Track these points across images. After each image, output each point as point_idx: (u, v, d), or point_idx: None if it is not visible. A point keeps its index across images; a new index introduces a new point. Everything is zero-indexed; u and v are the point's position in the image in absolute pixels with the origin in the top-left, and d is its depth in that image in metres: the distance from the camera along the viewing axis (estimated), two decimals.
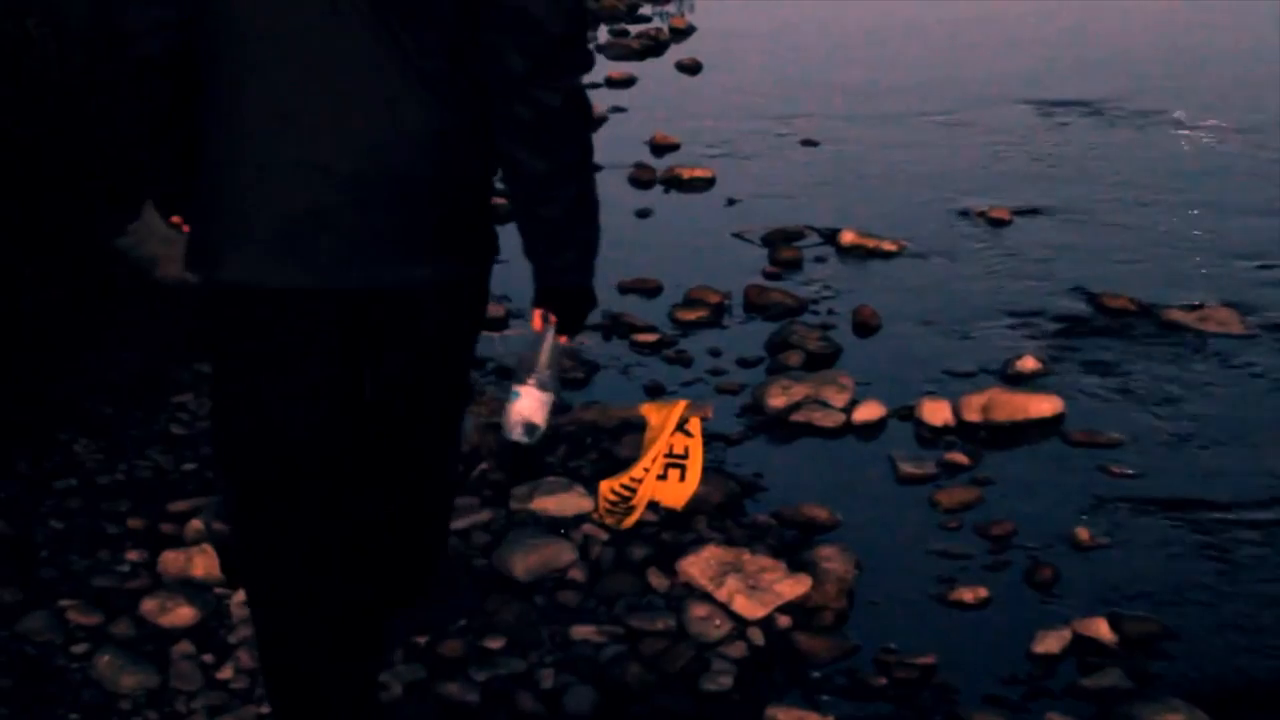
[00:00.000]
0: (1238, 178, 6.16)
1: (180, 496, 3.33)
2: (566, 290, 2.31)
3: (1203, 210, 5.72)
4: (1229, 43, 8.86)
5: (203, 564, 2.98)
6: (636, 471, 3.22)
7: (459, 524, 3.21)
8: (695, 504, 3.35)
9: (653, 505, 3.29)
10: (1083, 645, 2.92)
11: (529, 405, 2.33)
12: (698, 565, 3.05)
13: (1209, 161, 6.43)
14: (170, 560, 3.00)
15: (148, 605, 2.86)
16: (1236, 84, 7.79)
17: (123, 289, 4.26)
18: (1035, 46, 8.63)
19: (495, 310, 4.25)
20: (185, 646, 2.77)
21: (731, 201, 5.89)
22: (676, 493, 3.28)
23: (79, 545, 3.11)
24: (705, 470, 3.42)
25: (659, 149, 6.55)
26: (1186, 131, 6.87)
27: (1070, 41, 8.83)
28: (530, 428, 2.34)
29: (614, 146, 6.24)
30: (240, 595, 2.88)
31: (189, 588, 2.92)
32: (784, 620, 2.96)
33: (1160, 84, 7.67)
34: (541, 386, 2.33)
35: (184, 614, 2.84)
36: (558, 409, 2.79)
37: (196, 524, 3.16)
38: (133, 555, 3.07)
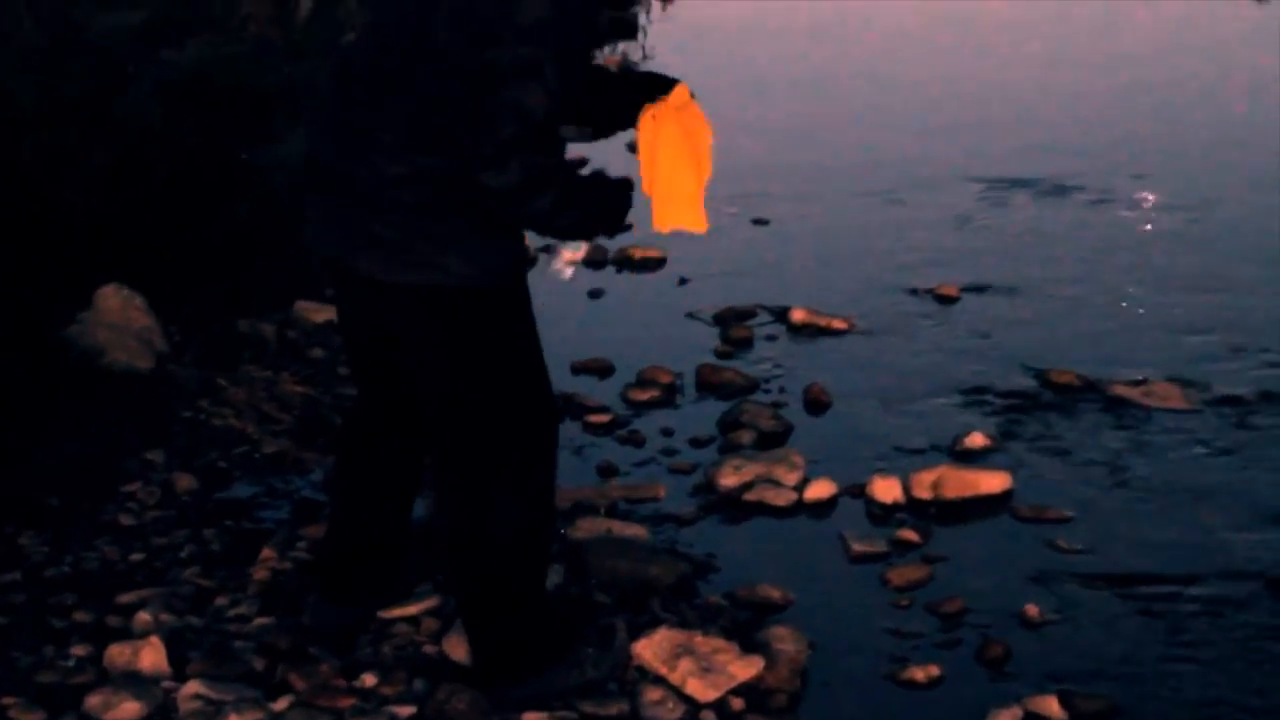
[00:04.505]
0: (1179, 253, 6.28)
1: (128, 588, 3.30)
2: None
3: (1146, 286, 5.82)
4: (1168, 115, 9.06)
5: (150, 657, 2.95)
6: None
7: (409, 609, 3.20)
8: (648, 585, 3.35)
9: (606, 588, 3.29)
10: None
11: (568, 252, 2.86)
12: (650, 648, 3.04)
13: (1150, 237, 6.55)
14: (117, 654, 2.97)
15: (92, 701, 2.82)
16: (1176, 158, 7.96)
17: (70, 377, 4.23)
18: (980, 124, 8.78)
19: None
20: None
21: (683, 281, 5.94)
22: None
23: (22, 641, 3.06)
24: (657, 552, 3.42)
25: None
26: (1127, 207, 6.99)
27: (1013, 118, 8.99)
28: (566, 266, 2.87)
29: None
30: (187, 688, 2.85)
31: (135, 682, 2.88)
32: (737, 703, 2.96)
33: (1100, 161, 7.82)
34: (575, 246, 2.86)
35: (129, 709, 2.80)
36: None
37: (144, 616, 3.13)
38: (78, 650, 3.03)
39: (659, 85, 2.84)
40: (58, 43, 6.70)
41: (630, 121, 2.84)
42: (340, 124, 2.68)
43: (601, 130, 2.96)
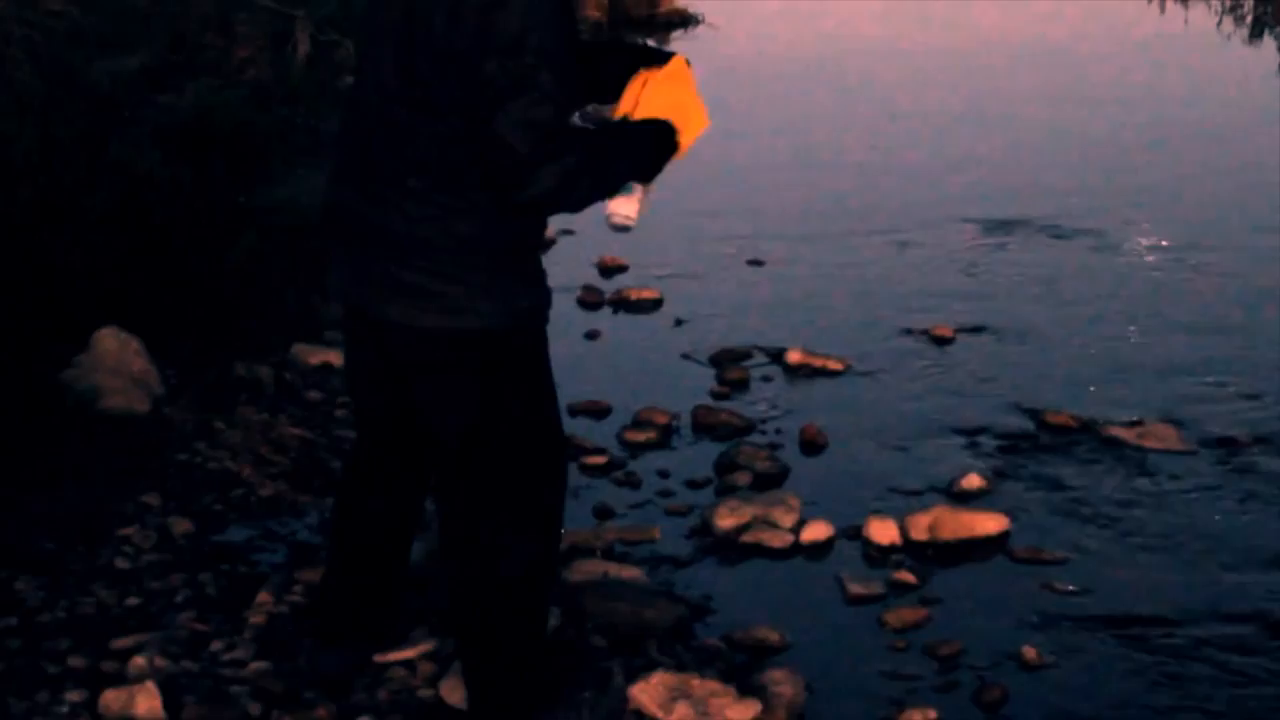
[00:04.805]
0: (1174, 295, 6.29)
1: (123, 633, 3.28)
2: None
3: (1141, 327, 5.83)
4: (1165, 154, 9.10)
5: (145, 702, 2.93)
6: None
7: (406, 653, 3.19)
8: (645, 627, 3.34)
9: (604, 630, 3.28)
10: None
11: (622, 203, 2.73)
12: (648, 692, 3.03)
13: (1146, 278, 6.57)
14: (111, 699, 2.95)
15: None
16: (1172, 199, 7.99)
17: (67, 420, 4.23)
18: (974, 163, 8.82)
19: None
20: None
21: (679, 322, 5.95)
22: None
23: (16, 687, 3.04)
24: (654, 594, 3.40)
25: (607, 271, 6.62)
26: (1123, 249, 7.02)
27: (1010, 156, 9.03)
28: (624, 219, 2.74)
29: (562, 269, 6.31)
30: None
31: None
32: None
33: (1096, 201, 7.85)
34: (628, 191, 2.72)
35: None
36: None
37: (139, 661, 3.11)
38: (73, 695, 3.01)
39: (655, 57, 2.81)
40: (56, 87, 6.75)
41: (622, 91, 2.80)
42: (356, 171, 2.70)
43: (597, 100, 2.95)
